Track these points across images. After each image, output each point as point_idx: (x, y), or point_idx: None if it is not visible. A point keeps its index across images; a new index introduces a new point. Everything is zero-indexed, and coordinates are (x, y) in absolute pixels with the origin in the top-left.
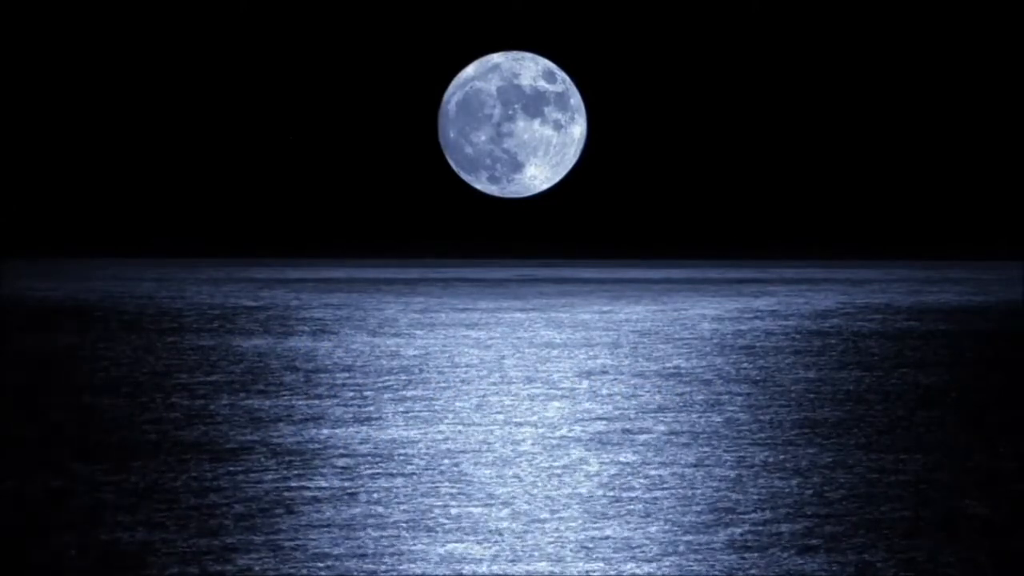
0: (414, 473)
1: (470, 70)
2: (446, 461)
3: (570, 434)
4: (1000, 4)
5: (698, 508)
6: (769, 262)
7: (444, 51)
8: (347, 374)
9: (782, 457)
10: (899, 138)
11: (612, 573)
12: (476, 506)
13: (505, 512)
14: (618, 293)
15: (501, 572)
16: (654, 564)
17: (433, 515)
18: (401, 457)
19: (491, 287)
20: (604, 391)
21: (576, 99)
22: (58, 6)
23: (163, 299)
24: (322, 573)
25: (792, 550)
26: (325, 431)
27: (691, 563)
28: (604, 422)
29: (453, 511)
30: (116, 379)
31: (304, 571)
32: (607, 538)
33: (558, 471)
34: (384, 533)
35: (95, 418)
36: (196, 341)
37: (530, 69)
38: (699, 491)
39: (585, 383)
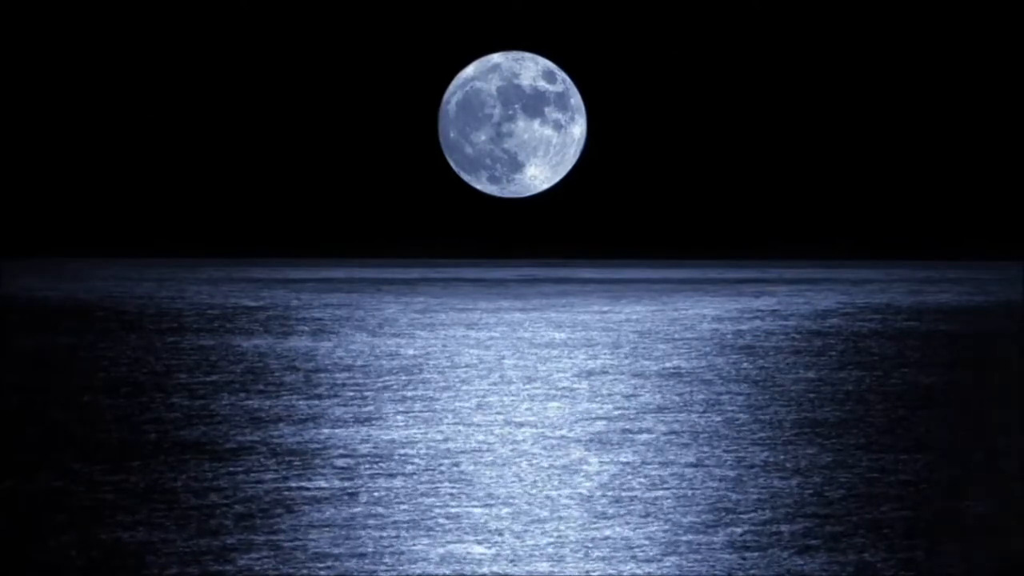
0: (414, 473)
1: (470, 70)
2: (446, 461)
3: (570, 434)
4: (1000, 4)
5: (698, 508)
6: (769, 262)
7: (444, 51)
8: (347, 374)
9: (782, 457)
10: (899, 138)
11: (612, 573)
12: (476, 506)
13: (505, 512)
14: (618, 293)
15: (501, 572)
16: (654, 564)
17: (433, 515)
18: (401, 457)
19: (491, 287)
20: (604, 391)
21: (576, 99)
22: (58, 6)
23: (163, 299)
24: (322, 573)
25: (792, 550)
26: (325, 431)
27: (691, 563)
28: (604, 422)
29: (453, 511)
30: (116, 379)
31: (304, 571)
32: (607, 538)
33: (558, 471)
34: (384, 533)
35: (95, 418)
36: (196, 341)
37: (530, 69)
38: (699, 491)
39: (585, 383)
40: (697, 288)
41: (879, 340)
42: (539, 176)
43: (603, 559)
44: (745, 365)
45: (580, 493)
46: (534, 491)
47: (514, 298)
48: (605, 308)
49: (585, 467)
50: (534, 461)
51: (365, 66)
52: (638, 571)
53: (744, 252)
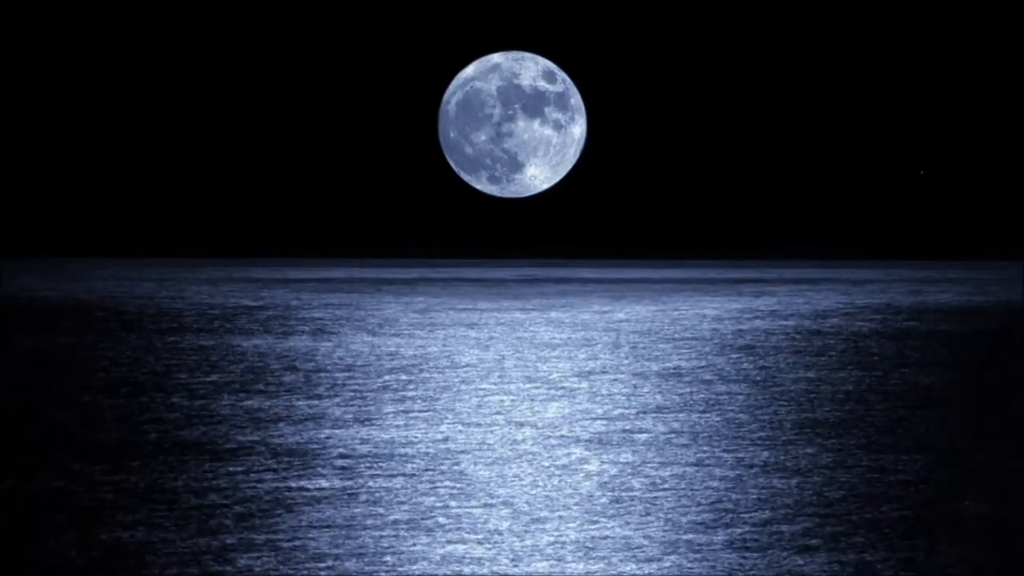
0: (414, 473)
1: (470, 70)
2: (446, 461)
3: (570, 434)
4: (1000, 4)
5: (698, 508)
6: (769, 262)
7: (444, 51)
8: (347, 374)
9: (782, 457)
10: (899, 138)
11: (612, 573)
12: (476, 506)
13: (505, 512)
14: (618, 293)
15: (501, 572)
16: (654, 564)
17: (433, 515)
18: (401, 457)
19: (491, 287)
20: (604, 391)
21: (576, 99)
22: (58, 6)
23: (163, 299)
24: (322, 573)
25: (792, 550)
26: (325, 431)
27: (691, 563)
28: (604, 422)
29: (453, 511)
30: (116, 379)
31: (304, 571)
32: (607, 538)
33: (558, 471)
34: (384, 533)
35: (95, 418)
36: (196, 341)
37: (530, 69)
38: (699, 491)
39: (585, 383)
40: (697, 288)
41: (879, 340)
42: (539, 176)
43: (603, 559)
44: (745, 365)
45: (580, 493)
46: (534, 491)
47: (514, 298)
48: (605, 308)
49: (585, 467)
50: (534, 461)
51: (365, 66)
52: (638, 571)
53: (744, 252)
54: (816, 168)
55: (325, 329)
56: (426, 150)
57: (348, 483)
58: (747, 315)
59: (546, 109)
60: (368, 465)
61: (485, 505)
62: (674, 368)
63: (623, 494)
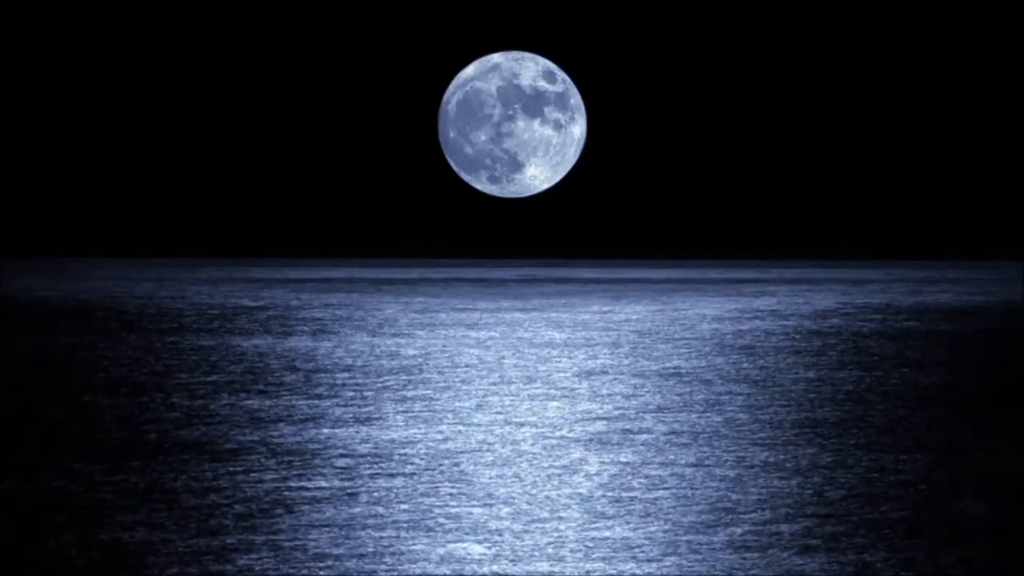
0: (414, 473)
1: (470, 70)
2: (446, 461)
3: (570, 434)
4: (1000, 4)
5: (698, 508)
6: (769, 262)
7: (444, 51)
8: (347, 374)
9: (782, 457)
10: (898, 138)
11: (612, 573)
12: (476, 506)
13: (505, 512)
14: (618, 293)
15: (501, 572)
16: (654, 564)
17: (433, 515)
18: (401, 457)
19: (491, 287)
20: (604, 391)
21: (576, 99)
22: (58, 6)
23: (163, 299)
24: (322, 573)
25: (792, 550)
26: (325, 431)
27: (691, 563)
28: (604, 422)
29: (453, 511)
30: (116, 379)
31: (304, 571)
32: (607, 538)
33: (558, 471)
34: (384, 533)
35: (95, 418)
36: (196, 341)
37: (530, 69)
38: (699, 491)
39: (585, 383)
40: (697, 288)
41: (879, 340)
42: (539, 176)
43: (603, 559)
44: (745, 365)
45: (580, 493)
46: (534, 491)
47: (514, 298)
48: (605, 308)
49: (585, 467)
50: (534, 461)
51: (365, 66)
52: (638, 571)
53: (744, 252)
54: (816, 168)
55: (325, 329)
56: (426, 150)
57: (348, 483)
58: (747, 315)
59: (546, 109)
60: (368, 465)
61: (485, 505)
62: (674, 368)
63: (623, 494)
